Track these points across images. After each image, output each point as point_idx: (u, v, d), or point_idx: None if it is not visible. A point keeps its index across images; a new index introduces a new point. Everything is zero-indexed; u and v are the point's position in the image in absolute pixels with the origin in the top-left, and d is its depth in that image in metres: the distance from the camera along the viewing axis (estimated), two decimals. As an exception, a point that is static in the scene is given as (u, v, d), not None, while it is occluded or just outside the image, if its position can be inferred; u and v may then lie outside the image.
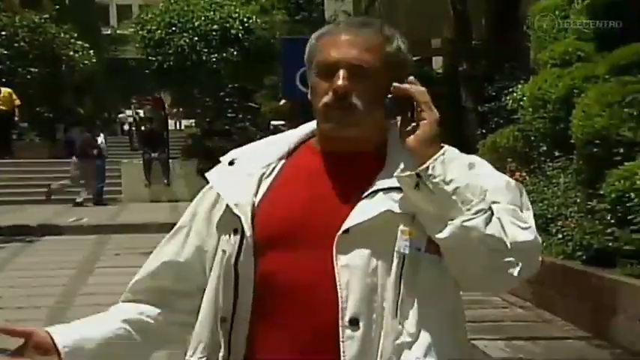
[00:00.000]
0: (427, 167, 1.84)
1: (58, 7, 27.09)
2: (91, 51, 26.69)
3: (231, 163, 2.06)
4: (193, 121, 32.88)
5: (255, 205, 1.98)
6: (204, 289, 2.05)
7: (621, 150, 8.51)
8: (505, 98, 13.19)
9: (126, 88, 45.89)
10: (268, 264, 1.94)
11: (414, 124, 1.87)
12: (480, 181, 1.88)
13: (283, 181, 2.02)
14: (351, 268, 1.87)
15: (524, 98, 11.39)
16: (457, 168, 1.87)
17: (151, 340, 2.14)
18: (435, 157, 1.85)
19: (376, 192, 1.92)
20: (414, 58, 9.44)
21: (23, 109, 23.75)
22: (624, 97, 8.72)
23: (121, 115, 43.57)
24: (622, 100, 8.71)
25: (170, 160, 21.78)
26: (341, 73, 1.90)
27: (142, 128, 21.43)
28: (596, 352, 7.21)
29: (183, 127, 38.31)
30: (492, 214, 1.86)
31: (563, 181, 9.81)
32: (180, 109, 35.10)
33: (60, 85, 25.55)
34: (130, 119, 38.89)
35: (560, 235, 8.93)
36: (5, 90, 22.00)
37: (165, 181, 21.01)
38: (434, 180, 1.83)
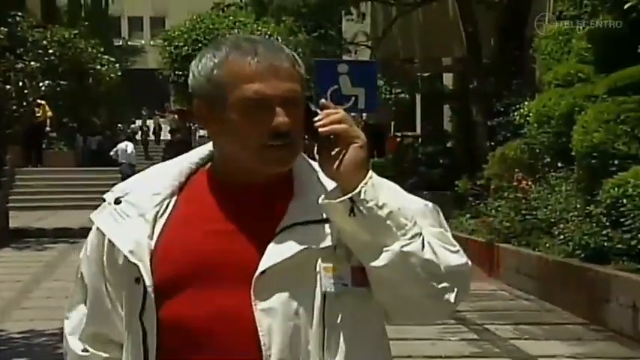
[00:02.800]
0: (359, 191, 1.70)
1: (87, 22, 28.36)
2: (117, 64, 28.04)
3: (117, 201, 1.84)
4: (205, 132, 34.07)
5: (152, 249, 1.78)
6: None
7: (616, 162, 9.69)
8: (512, 114, 14.32)
9: (137, 99, 46.85)
10: (173, 312, 1.76)
11: (337, 149, 1.73)
12: (409, 205, 1.78)
13: (181, 218, 1.82)
14: (271, 312, 1.72)
15: (530, 114, 12.48)
16: (387, 191, 1.75)
17: None
18: (364, 180, 1.71)
19: (290, 227, 1.76)
20: (426, 74, 11.41)
21: (53, 120, 25.03)
22: (619, 115, 9.91)
23: (132, 125, 44.65)
24: (617, 118, 9.90)
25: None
26: (279, 110, 1.73)
27: (171, 138, 22.62)
28: (592, 335, 8.38)
29: (197, 137, 39.31)
30: (424, 237, 1.75)
31: (564, 189, 10.94)
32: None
33: (86, 97, 26.79)
34: (141, 129, 40.38)
35: (561, 237, 10.06)
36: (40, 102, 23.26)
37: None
38: (367, 205, 1.70)
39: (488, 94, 16.12)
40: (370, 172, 1.74)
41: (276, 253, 1.73)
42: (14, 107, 15.05)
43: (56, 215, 20.22)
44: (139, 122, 42.99)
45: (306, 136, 1.78)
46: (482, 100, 16.22)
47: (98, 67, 26.37)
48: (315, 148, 1.78)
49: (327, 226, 1.76)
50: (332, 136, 1.74)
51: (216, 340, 1.73)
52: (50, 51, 19.68)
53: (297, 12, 17.39)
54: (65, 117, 27.04)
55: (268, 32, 21.33)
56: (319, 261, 1.75)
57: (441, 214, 1.85)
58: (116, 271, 1.83)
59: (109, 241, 1.83)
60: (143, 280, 1.76)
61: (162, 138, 41.38)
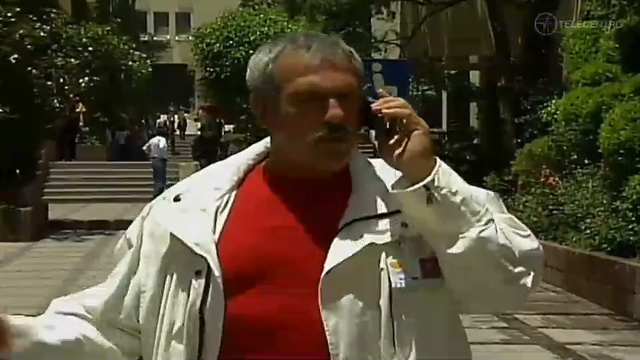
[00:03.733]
0: (433, 179, 1.68)
1: (118, 19, 28.90)
2: (147, 61, 28.59)
3: (176, 199, 1.84)
4: (232, 126, 34.52)
5: (216, 242, 1.76)
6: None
7: (642, 159, 10.02)
8: (539, 112, 14.64)
9: (162, 94, 47.30)
10: (239, 307, 1.73)
11: (396, 137, 1.71)
12: (476, 192, 1.77)
13: (242, 213, 1.81)
14: (338, 311, 1.70)
15: (558, 112, 12.81)
16: (456, 178, 1.72)
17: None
18: (435, 168, 1.69)
19: (351, 223, 1.74)
20: (452, 72, 11.98)
21: (85, 116, 25.62)
22: (646, 114, 10.23)
23: (158, 120, 45.22)
24: (644, 116, 10.22)
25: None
26: (333, 102, 1.73)
27: (201, 134, 23.14)
28: (618, 325, 8.72)
29: (223, 133, 39.71)
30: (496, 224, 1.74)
31: (591, 185, 11.26)
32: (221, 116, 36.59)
33: (117, 92, 27.31)
34: (166, 124, 41.06)
35: (588, 231, 10.39)
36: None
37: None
38: (441, 192, 1.68)
39: (516, 92, 16.43)
40: (438, 160, 1.71)
41: (341, 250, 1.71)
42: (55, 103, 15.54)
43: (89, 208, 20.74)
44: (164, 117, 43.60)
45: (365, 128, 1.78)
46: (509, 98, 16.53)
47: (130, 63, 26.88)
48: (374, 138, 1.77)
49: (387, 221, 1.74)
50: (392, 124, 1.72)
51: (282, 339, 1.71)
52: (90, 48, 20.14)
53: (329, 11, 17.75)
54: (97, 112, 27.59)
55: (299, 30, 21.73)
56: (383, 256, 1.72)
57: (502, 202, 1.85)
58: (171, 265, 1.79)
59: (170, 235, 1.78)
60: (210, 272, 1.72)
61: (186, 133, 42.03)
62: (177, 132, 41.99)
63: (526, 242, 1.76)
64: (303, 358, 1.69)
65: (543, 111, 14.10)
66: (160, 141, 22.90)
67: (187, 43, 56.92)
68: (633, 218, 9.67)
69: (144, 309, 1.82)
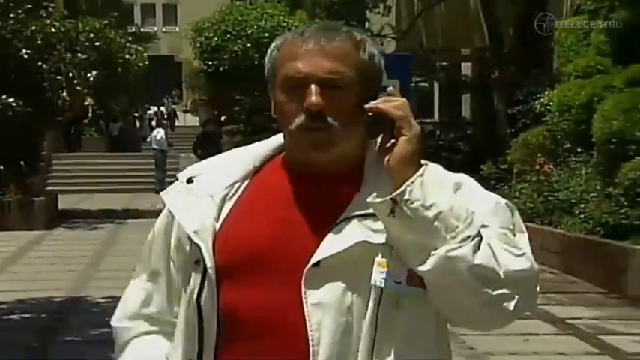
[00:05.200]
0: (403, 191, 1.61)
1: (116, 13, 29.36)
2: (145, 54, 29.05)
3: (189, 180, 1.80)
4: (224, 118, 35.04)
5: (216, 231, 1.74)
6: None
7: (633, 147, 10.64)
8: (533, 102, 15.23)
9: (151, 85, 47.50)
10: (230, 297, 1.71)
11: (393, 141, 1.64)
12: (466, 204, 1.66)
13: (248, 203, 1.77)
14: (323, 307, 1.66)
15: (551, 103, 13.42)
16: (439, 190, 1.64)
17: None
18: (412, 179, 1.62)
19: (350, 219, 1.69)
20: (443, 64, 12.96)
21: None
22: (637, 104, 10.85)
23: (149, 112, 45.61)
24: (635, 107, 10.84)
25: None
26: (312, 88, 1.66)
27: (205, 129, 23.80)
28: (612, 302, 9.37)
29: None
30: (481, 240, 1.63)
31: (584, 173, 11.89)
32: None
33: (115, 86, 27.75)
34: (156, 115, 41.58)
35: (582, 216, 11.02)
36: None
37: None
38: (412, 205, 1.61)
39: (509, 83, 17.00)
40: (422, 169, 1.64)
41: (332, 244, 1.67)
42: (65, 97, 16.07)
43: (94, 198, 21.28)
44: (154, 108, 44.07)
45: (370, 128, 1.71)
46: (503, 89, 17.09)
47: (127, 56, 27.31)
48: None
49: None
50: (389, 127, 1.66)
51: (266, 332, 1.68)
52: (97, 43, 20.63)
53: (329, 6, 18.28)
54: (95, 105, 28.08)
55: (294, 24, 22.26)
56: (378, 255, 1.66)
57: (517, 214, 1.74)
58: (182, 252, 1.79)
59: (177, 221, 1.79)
60: (203, 262, 1.71)
61: (176, 125, 42.43)
62: (168, 123, 42.41)
63: (517, 261, 1.65)
64: (285, 350, 1.67)
65: (536, 102, 14.67)
66: (159, 133, 23.51)
67: (174, 34, 57.45)
68: (625, 203, 10.30)
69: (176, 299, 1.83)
